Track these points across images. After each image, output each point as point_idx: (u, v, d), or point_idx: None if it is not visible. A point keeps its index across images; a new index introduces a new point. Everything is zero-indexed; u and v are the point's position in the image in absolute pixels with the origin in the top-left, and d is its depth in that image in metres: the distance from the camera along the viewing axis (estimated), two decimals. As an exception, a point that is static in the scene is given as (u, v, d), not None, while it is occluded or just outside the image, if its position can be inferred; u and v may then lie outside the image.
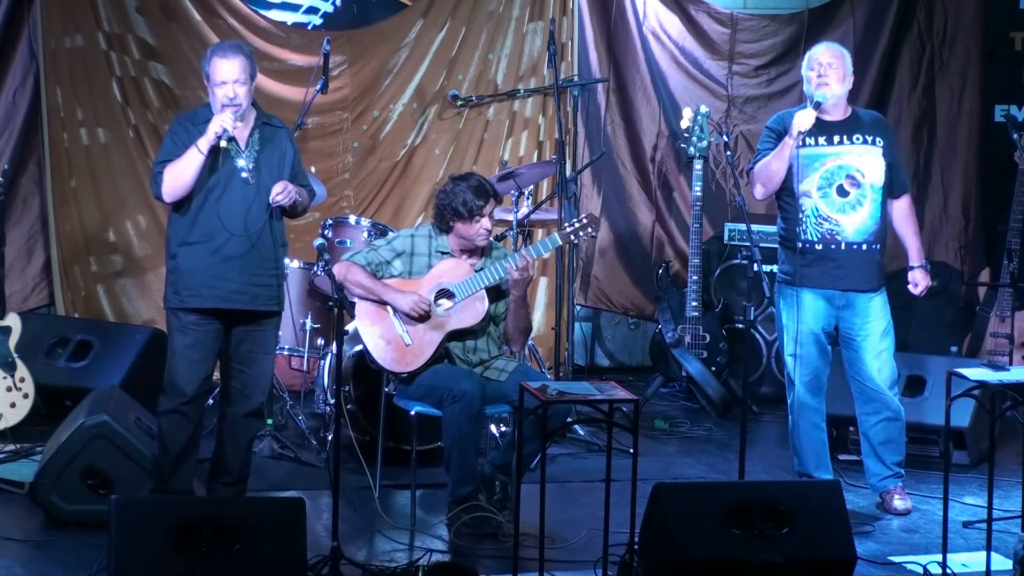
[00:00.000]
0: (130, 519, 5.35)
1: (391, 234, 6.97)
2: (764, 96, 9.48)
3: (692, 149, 8.65)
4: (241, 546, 5.36)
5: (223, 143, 6.06)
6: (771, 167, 6.72)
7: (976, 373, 6.17)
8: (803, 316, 6.78)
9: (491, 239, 6.85)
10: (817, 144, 6.72)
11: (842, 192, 6.73)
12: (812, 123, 6.62)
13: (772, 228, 8.82)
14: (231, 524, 5.39)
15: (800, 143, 6.68)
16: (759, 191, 6.85)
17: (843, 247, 6.73)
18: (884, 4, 9.46)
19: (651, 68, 9.32)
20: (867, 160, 6.74)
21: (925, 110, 9.51)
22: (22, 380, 7.45)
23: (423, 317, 6.59)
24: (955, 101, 9.52)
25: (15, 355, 7.46)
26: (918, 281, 6.91)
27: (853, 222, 6.74)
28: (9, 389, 7.42)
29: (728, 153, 7.62)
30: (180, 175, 6.09)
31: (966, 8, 9.49)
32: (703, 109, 8.75)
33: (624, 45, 9.28)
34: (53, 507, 6.35)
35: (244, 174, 6.10)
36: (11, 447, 7.28)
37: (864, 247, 6.75)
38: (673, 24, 9.36)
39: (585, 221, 6.73)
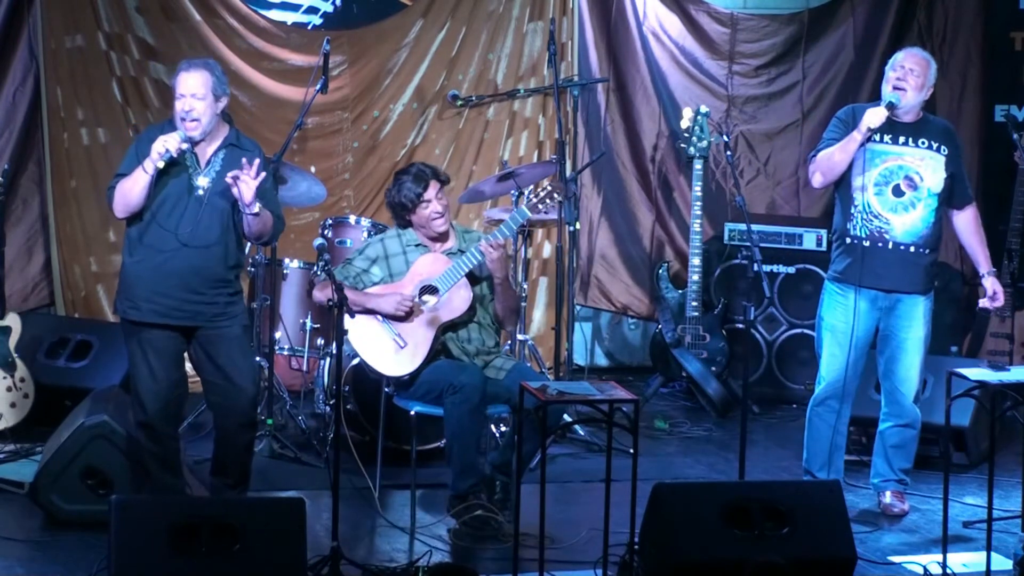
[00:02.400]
0: (130, 519, 5.36)
1: (362, 244, 6.98)
2: (764, 96, 9.48)
3: (692, 149, 8.65)
4: (241, 546, 5.37)
5: (160, 163, 5.96)
6: (834, 158, 6.71)
7: (976, 373, 6.17)
8: (846, 316, 6.75)
9: (467, 227, 6.86)
10: (882, 141, 6.71)
11: (897, 192, 6.72)
12: (882, 121, 6.62)
13: (772, 228, 8.90)
14: (231, 524, 5.40)
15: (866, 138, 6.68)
16: (817, 179, 6.82)
17: (890, 246, 6.71)
18: (884, 4, 9.45)
19: (651, 68, 9.32)
20: (928, 165, 6.72)
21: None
22: (22, 380, 7.46)
23: (409, 314, 6.61)
24: (955, 101, 9.52)
25: (15, 355, 7.46)
26: (988, 289, 6.82)
27: (903, 223, 6.72)
28: (9, 389, 7.42)
29: (728, 153, 7.62)
30: (128, 194, 6.05)
31: (966, 8, 9.49)
32: (703, 109, 8.75)
33: (624, 45, 9.27)
34: (53, 507, 6.35)
35: (199, 191, 6.06)
36: (11, 447, 7.28)
37: (912, 249, 6.73)
38: (673, 24, 9.36)
39: (549, 188, 6.74)
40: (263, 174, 6.03)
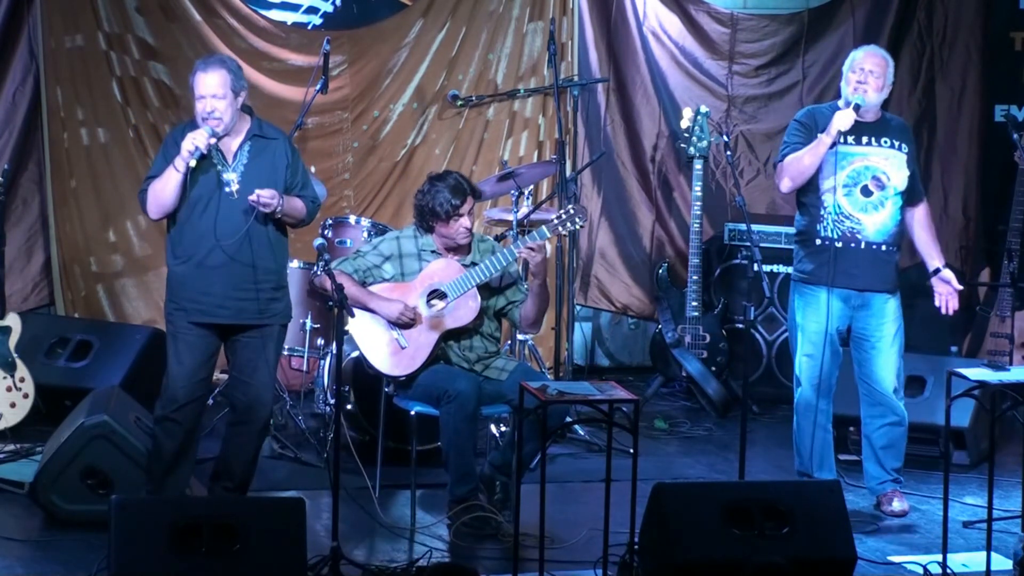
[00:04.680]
0: (130, 519, 5.36)
1: (375, 239, 6.98)
2: (764, 96, 9.48)
3: (692, 149, 8.66)
4: (241, 546, 5.37)
5: (192, 162, 6.02)
6: (803, 162, 6.72)
7: (976, 373, 6.17)
8: (818, 316, 6.77)
9: (481, 234, 6.87)
10: (846, 143, 6.72)
11: (866, 192, 6.74)
12: (851, 124, 6.63)
13: (772, 228, 8.89)
14: (231, 524, 5.40)
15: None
16: (786, 184, 6.83)
17: (863, 246, 6.74)
18: (884, 4, 9.45)
19: (651, 68, 9.32)
20: (892, 164, 6.75)
21: (925, 110, 9.51)
22: (22, 380, 7.45)
23: (409, 324, 6.61)
24: (955, 101, 9.52)
25: (15, 355, 7.46)
26: (940, 289, 6.82)
27: (874, 222, 6.74)
28: (9, 389, 7.42)
29: (728, 153, 7.63)
30: (160, 194, 6.10)
31: (966, 8, 9.49)
32: (703, 109, 8.75)
33: (624, 45, 9.27)
34: (53, 507, 6.35)
35: (229, 187, 6.10)
36: (11, 447, 7.28)
37: (883, 248, 6.76)
38: (673, 24, 9.36)
39: (572, 211, 6.73)
40: (274, 193, 6.08)
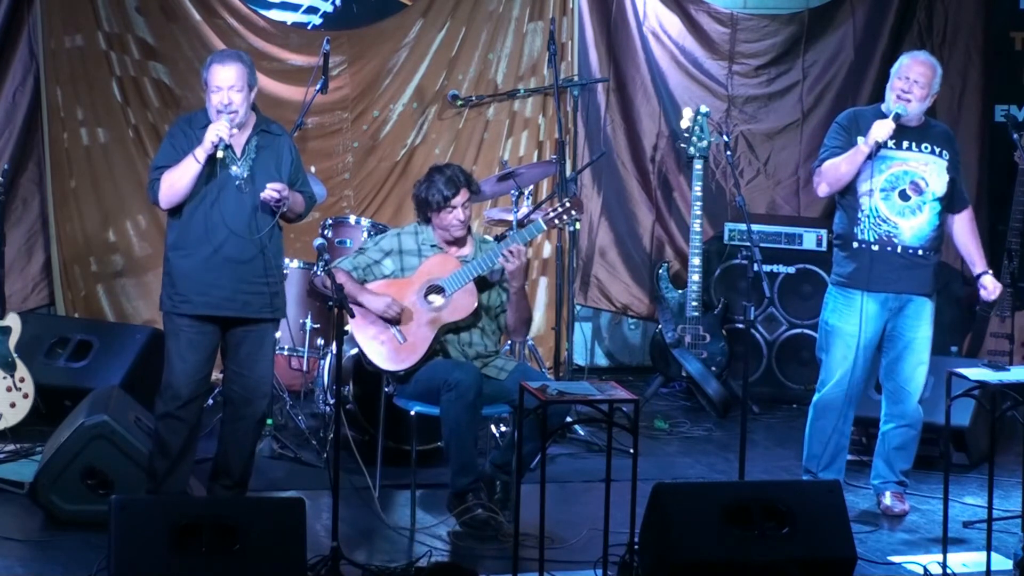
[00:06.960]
0: (130, 519, 5.36)
1: (378, 236, 7.00)
2: (764, 96, 9.48)
3: (692, 149, 8.66)
4: (241, 546, 5.37)
5: (219, 153, 6.05)
6: (841, 170, 6.71)
7: (976, 373, 6.18)
8: (855, 320, 6.74)
9: (483, 235, 6.87)
10: (887, 147, 6.70)
11: (904, 197, 6.72)
12: (890, 135, 6.62)
13: (772, 228, 8.90)
14: (231, 524, 5.40)
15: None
16: (823, 190, 6.83)
17: (899, 250, 6.72)
18: (884, 4, 9.45)
19: (651, 68, 9.32)
20: (932, 170, 6.73)
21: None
22: (22, 380, 7.45)
23: (396, 320, 6.62)
24: (955, 101, 9.52)
25: (15, 355, 7.46)
26: (988, 286, 6.82)
27: (911, 226, 6.73)
28: (9, 389, 7.42)
29: (728, 153, 7.63)
30: (176, 183, 6.11)
31: (966, 8, 9.49)
32: (703, 109, 8.75)
33: (624, 45, 9.27)
34: (53, 507, 6.35)
35: (238, 182, 6.11)
36: (11, 447, 7.28)
37: (920, 252, 6.74)
38: (673, 24, 9.36)
39: (568, 204, 6.74)
40: (284, 187, 6.12)
